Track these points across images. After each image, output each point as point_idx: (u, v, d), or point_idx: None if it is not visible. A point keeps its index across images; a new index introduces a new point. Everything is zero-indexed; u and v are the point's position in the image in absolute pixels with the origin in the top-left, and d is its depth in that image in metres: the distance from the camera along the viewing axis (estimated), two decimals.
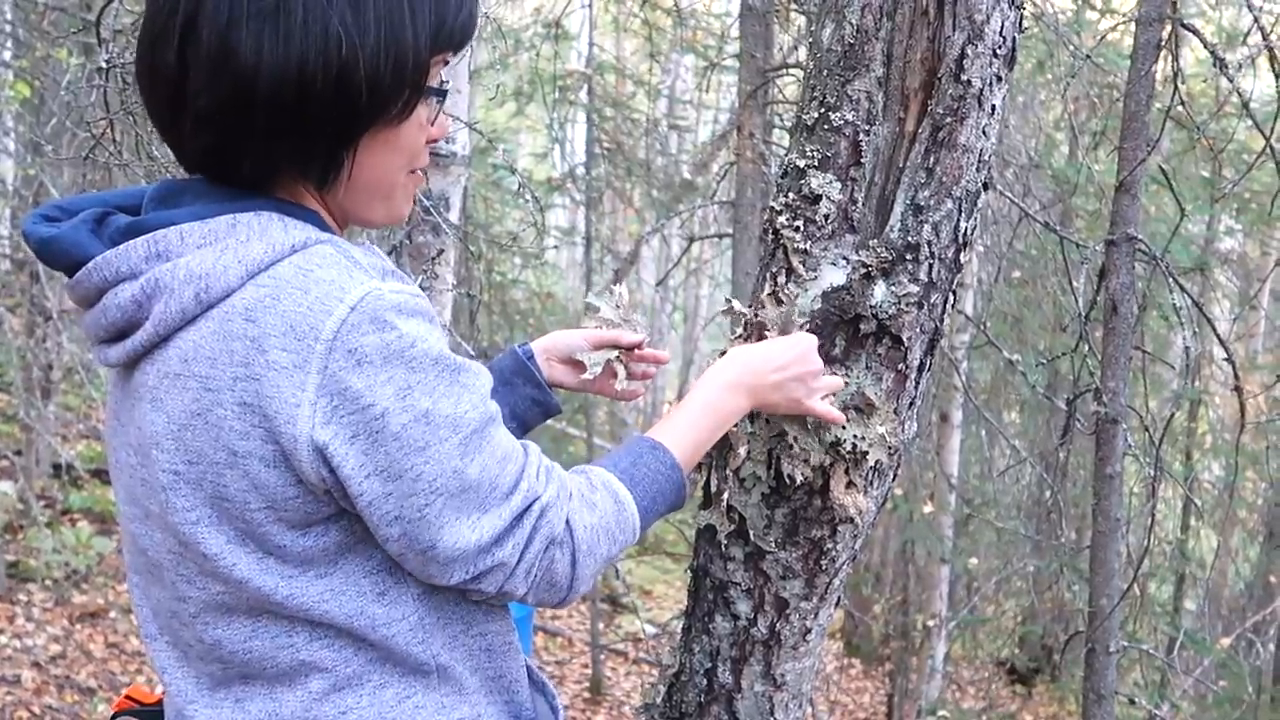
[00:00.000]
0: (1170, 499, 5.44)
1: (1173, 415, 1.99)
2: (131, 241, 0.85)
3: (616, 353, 1.28)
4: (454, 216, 2.09)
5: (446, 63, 0.95)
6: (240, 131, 0.85)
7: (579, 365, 1.28)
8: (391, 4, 0.85)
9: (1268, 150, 1.73)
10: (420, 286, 2.04)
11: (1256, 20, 1.66)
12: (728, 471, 1.33)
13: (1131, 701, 2.05)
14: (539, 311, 9.12)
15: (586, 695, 6.47)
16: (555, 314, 9.36)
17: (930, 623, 5.43)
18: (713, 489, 1.36)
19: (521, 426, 1.26)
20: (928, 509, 5.25)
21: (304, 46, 0.83)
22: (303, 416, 0.80)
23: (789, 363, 1.17)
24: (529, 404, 1.26)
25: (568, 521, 0.95)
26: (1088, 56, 2.74)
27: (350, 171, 0.91)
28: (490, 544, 0.88)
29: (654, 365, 1.31)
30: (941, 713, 4.71)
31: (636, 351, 1.29)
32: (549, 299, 7.48)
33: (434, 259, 1.99)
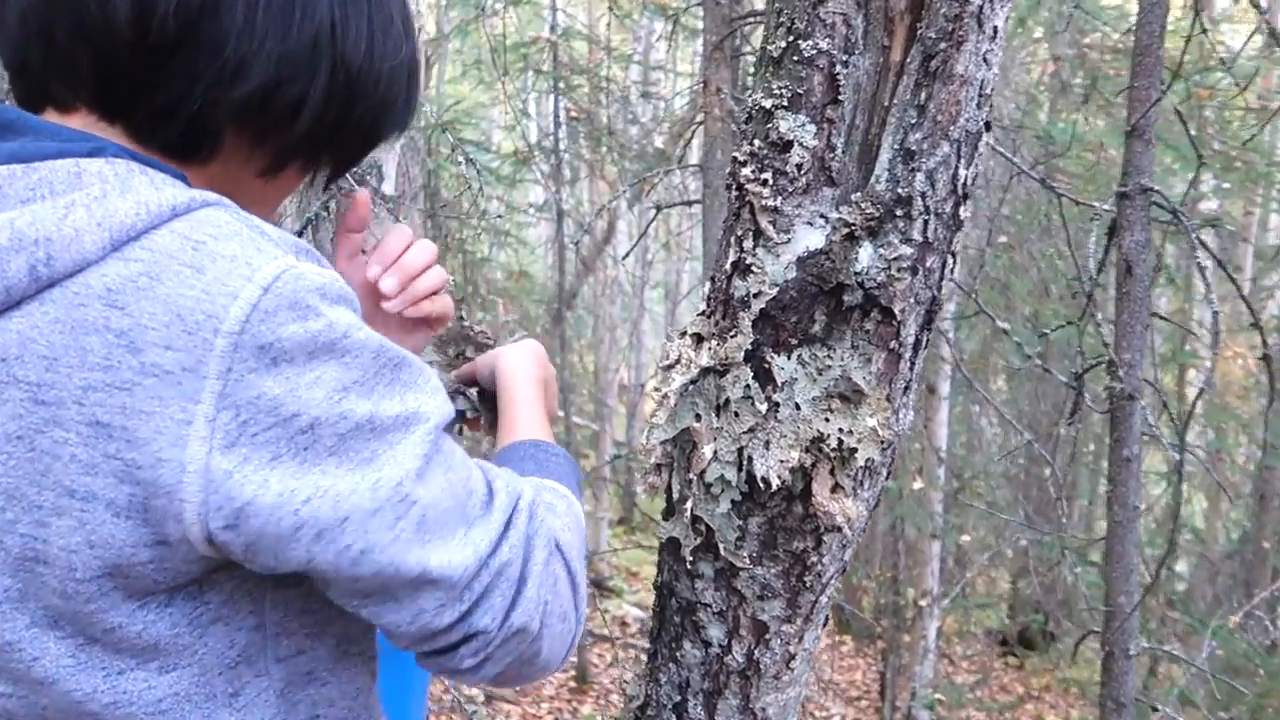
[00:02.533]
0: (1199, 459, 5.24)
1: (1199, 394, 1.80)
2: None
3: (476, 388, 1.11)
4: (388, 187, 1.86)
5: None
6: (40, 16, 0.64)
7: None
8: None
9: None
10: None
11: None
12: (691, 475, 1.12)
13: (1154, 709, 1.86)
14: (515, 291, 8.89)
15: (573, 685, 6.31)
16: (533, 294, 9.13)
17: (922, 602, 5.27)
18: (674, 496, 1.15)
19: None
20: (917, 485, 5.08)
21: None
22: (195, 438, 0.57)
23: (534, 352, 1.08)
24: None
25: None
26: (1078, 4, 2.52)
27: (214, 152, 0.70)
28: (488, 554, 0.69)
29: None
30: (936, 696, 4.56)
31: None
32: (521, 278, 7.24)
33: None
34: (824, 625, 1.22)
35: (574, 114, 5.91)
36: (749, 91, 1.15)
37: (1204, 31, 1.56)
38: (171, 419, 0.57)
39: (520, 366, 1.02)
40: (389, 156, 1.87)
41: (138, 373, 0.57)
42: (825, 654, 7.14)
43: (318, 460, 0.60)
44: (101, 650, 0.62)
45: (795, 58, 1.07)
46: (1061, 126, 4.67)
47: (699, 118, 2.76)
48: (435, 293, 0.91)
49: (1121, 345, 1.63)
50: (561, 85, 5.73)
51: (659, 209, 3.52)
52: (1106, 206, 1.68)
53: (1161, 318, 1.91)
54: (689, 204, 4.07)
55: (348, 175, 1.96)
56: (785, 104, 1.07)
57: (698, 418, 1.11)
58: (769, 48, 1.09)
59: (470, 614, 0.68)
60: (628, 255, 4.61)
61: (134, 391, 0.57)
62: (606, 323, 7.80)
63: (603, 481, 7.29)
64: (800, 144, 1.07)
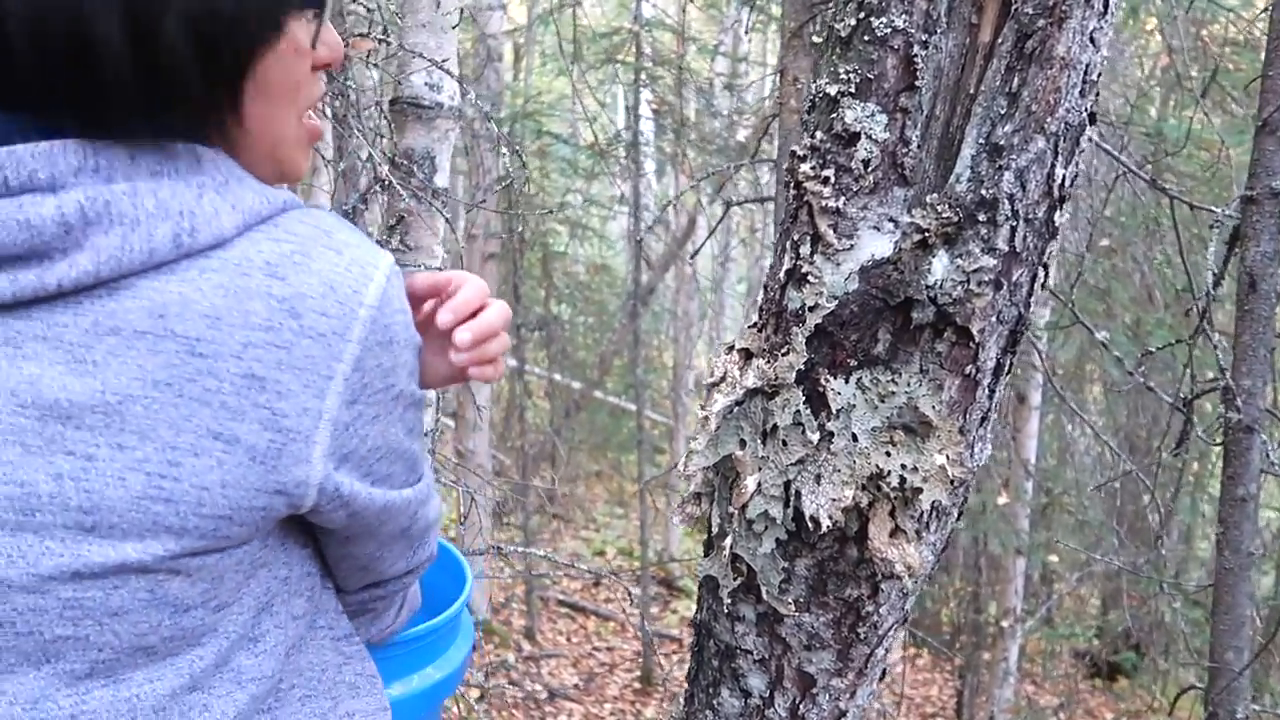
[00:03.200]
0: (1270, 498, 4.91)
1: None
2: (51, 142, 0.63)
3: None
4: (441, 179, 1.78)
5: None
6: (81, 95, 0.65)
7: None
8: None
9: None
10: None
11: None
12: (732, 509, 0.99)
13: None
14: (594, 283, 8.83)
15: (637, 686, 6.22)
16: (615, 286, 9.07)
17: (1004, 621, 5.01)
18: (713, 530, 1.03)
19: None
20: (1002, 499, 4.82)
21: None
22: (333, 391, 0.68)
23: None
24: None
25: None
26: None
27: (230, 124, 0.71)
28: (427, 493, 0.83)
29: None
30: (1018, 718, 4.31)
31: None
32: (600, 271, 7.16)
33: (394, 225, 1.67)
34: (881, 679, 1.08)
35: (655, 107, 5.79)
36: (814, 77, 1.01)
37: None
38: (319, 374, 0.67)
39: None
40: (442, 146, 1.79)
41: (297, 334, 0.66)
42: (900, 666, 6.90)
43: (396, 423, 0.73)
44: (178, 587, 0.68)
45: (866, 37, 0.93)
46: (1174, 123, 4.35)
47: (775, 110, 2.62)
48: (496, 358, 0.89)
49: (1240, 370, 1.43)
50: (644, 77, 5.61)
51: (728, 205, 3.37)
52: (1229, 211, 1.49)
53: None
54: (760, 200, 3.91)
55: (394, 168, 1.89)
56: (853, 91, 0.94)
57: (742, 444, 0.99)
58: (836, 26, 0.96)
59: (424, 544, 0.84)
60: (696, 253, 4.45)
61: (292, 349, 0.66)
62: (683, 320, 7.68)
63: (673, 483, 7.18)
64: (868, 136, 0.93)
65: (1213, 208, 1.59)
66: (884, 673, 1.09)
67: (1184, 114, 3.96)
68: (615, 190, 7.08)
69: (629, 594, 2.23)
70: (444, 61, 1.75)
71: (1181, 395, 1.59)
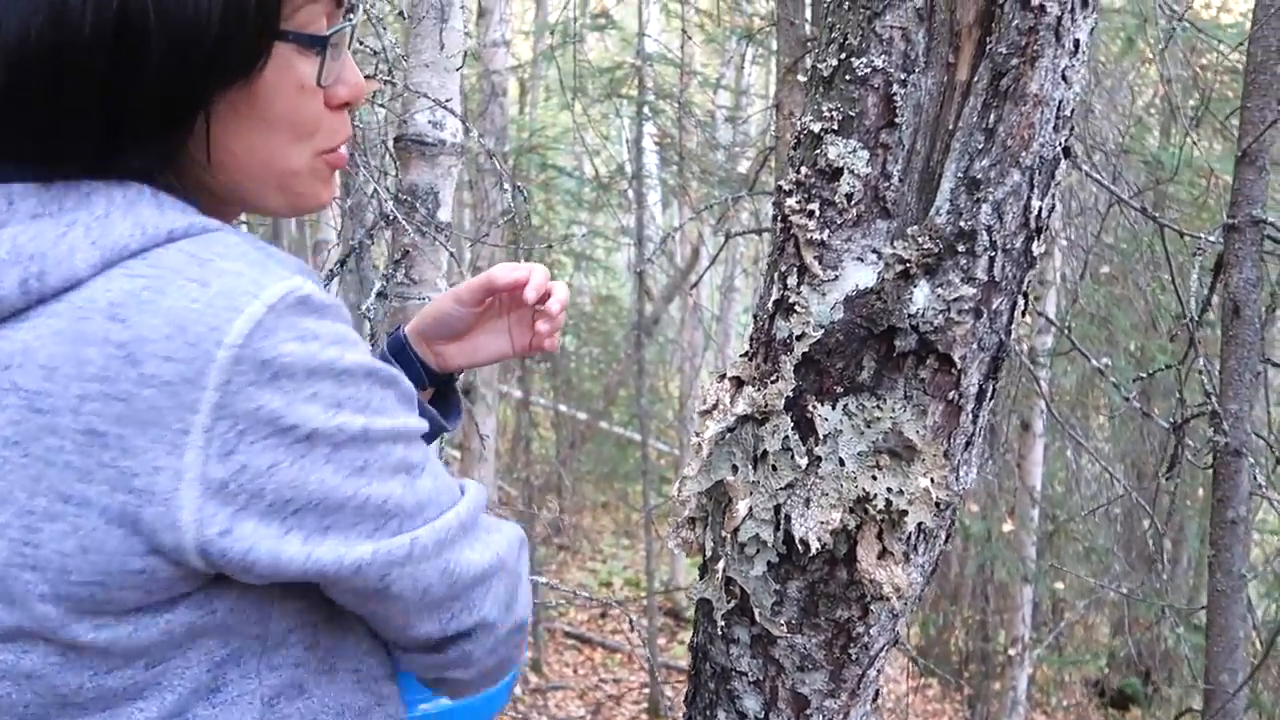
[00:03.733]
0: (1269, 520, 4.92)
1: None
2: None
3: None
4: (444, 214, 1.82)
5: (345, 7, 0.72)
6: (29, 118, 0.63)
7: (473, 335, 1.01)
8: None
9: None
10: (388, 294, 1.77)
11: None
12: (725, 533, 1.02)
13: None
14: (599, 314, 8.88)
15: (644, 718, 6.19)
16: (621, 317, 9.12)
17: (1012, 650, 4.99)
18: (707, 554, 1.06)
19: None
20: (1008, 527, 4.82)
21: None
22: (191, 446, 0.59)
23: None
24: None
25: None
26: (1182, 16, 2.35)
27: (207, 151, 0.69)
28: (492, 556, 0.76)
29: (553, 306, 1.01)
30: None
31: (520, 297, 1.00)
32: (605, 302, 7.21)
33: (398, 260, 1.71)
34: (875, 700, 1.10)
35: (658, 139, 5.87)
36: (800, 115, 1.06)
37: None
38: (169, 429, 0.59)
39: None
40: (445, 182, 1.83)
41: (135, 384, 0.59)
42: (910, 697, 6.85)
43: (315, 468, 0.63)
44: (91, 653, 0.63)
45: (848, 76, 0.97)
46: (1171, 152, 4.40)
47: (773, 143, 2.67)
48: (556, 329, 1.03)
49: (1227, 395, 1.46)
50: (646, 110, 5.69)
51: (729, 236, 3.43)
52: (1213, 238, 1.52)
53: (1275, 364, 1.73)
54: (761, 231, 3.96)
55: (398, 204, 1.94)
56: (835, 128, 0.98)
57: (734, 469, 1.02)
58: (819, 66, 1.00)
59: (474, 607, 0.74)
60: (696, 283, 4.51)
61: (131, 401, 0.59)
62: (688, 350, 7.72)
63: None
64: (851, 171, 0.97)
65: (1200, 235, 1.63)
66: (877, 694, 1.11)
67: (1179, 142, 4.01)
68: (619, 222, 7.16)
69: (632, 623, 2.24)
70: (447, 101, 1.80)
71: (1172, 421, 1.62)
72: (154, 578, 0.62)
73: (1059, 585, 5.78)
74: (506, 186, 1.85)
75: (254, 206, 0.75)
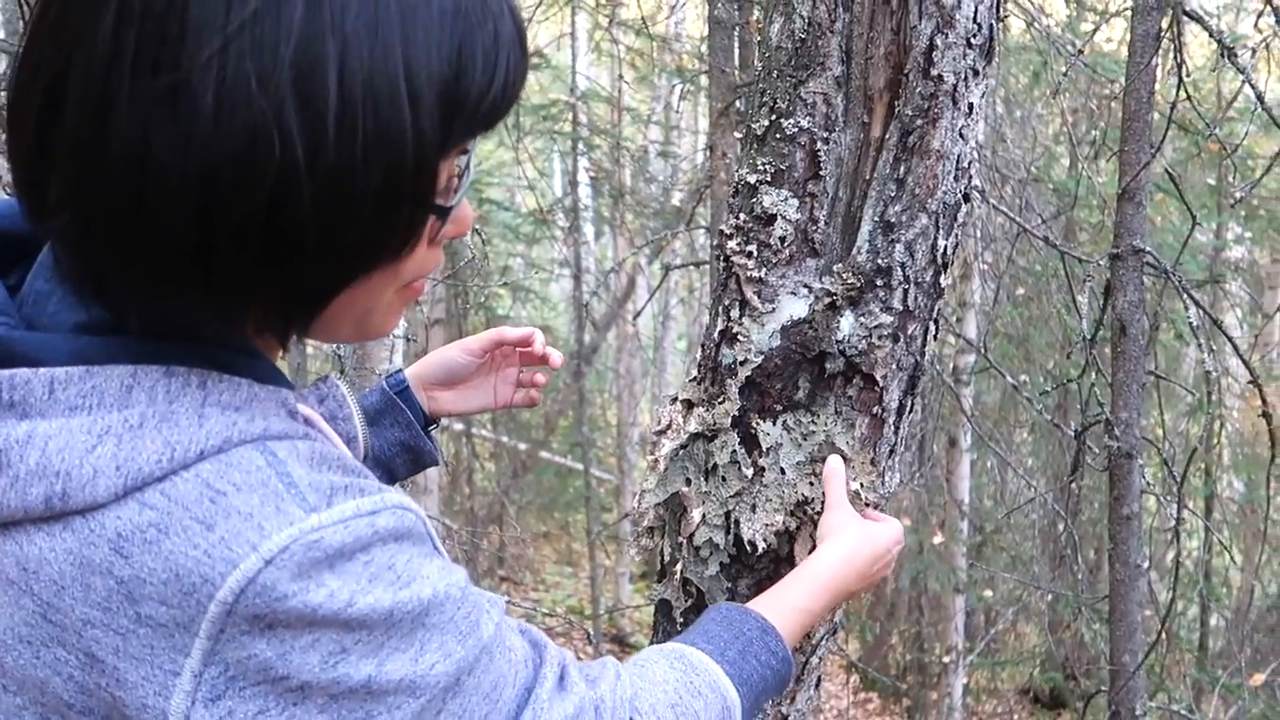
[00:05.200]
0: (1196, 513, 5.22)
1: (1194, 451, 1.80)
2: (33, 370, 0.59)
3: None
4: None
5: (466, 151, 0.64)
6: (117, 271, 0.59)
7: (466, 386, 1.12)
8: (374, 77, 0.55)
9: None
10: None
11: (1269, 1, 1.48)
12: (681, 539, 1.14)
13: None
14: None
15: None
16: (557, 347, 9.21)
17: (946, 658, 5.19)
18: (664, 559, 1.18)
19: (388, 475, 1.07)
20: (938, 539, 5.03)
21: (214, 149, 0.54)
22: (180, 690, 0.59)
23: (891, 548, 1.03)
24: (396, 449, 1.07)
25: None
26: (1079, 53, 2.58)
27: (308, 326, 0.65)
28: None
29: (544, 369, 1.17)
30: None
31: (523, 352, 1.14)
32: (547, 335, 7.32)
33: None
34: (816, 685, 1.23)
35: (593, 174, 6.02)
36: (737, 168, 1.20)
37: (1188, 98, 1.60)
38: (160, 669, 0.59)
39: (846, 545, 0.99)
40: None
41: (134, 621, 0.59)
42: (852, 711, 7.01)
43: (306, 717, 0.60)
44: None
45: (778, 135, 1.12)
46: (1076, 179, 4.69)
47: (707, 182, 2.84)
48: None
49: (1118, 404, 1.64)
50: (581, 145, 5.84)
51: (667, 270, 3.58)
52: (1102, 264, 1.70)
53: (1159, 376, 1.93)
54: (696, 265, 4.13)
55: None
56: (769, 179, 1.12)
57: (688, 482, 1.14)
58: (753, 126, 1.14)
59: None
60: (638, 314, 4.66)
61: (128, 637, 0.59)
62: (626, 378, 7.85)
63: (624, 538, 7.27)
64: (783, 217, 1.11)
65: (1092, 260, 1.82)
66: (819, 680, 1.24)
67: (1080, 171, 4.30)
68: (556, 254, 7.28)
69: (590, 635, 2.33)
70: None
71: (1074, 429, 1.79)
72: None
73: (988, 593, 6.02)
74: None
75: (320, 340, 0.72)
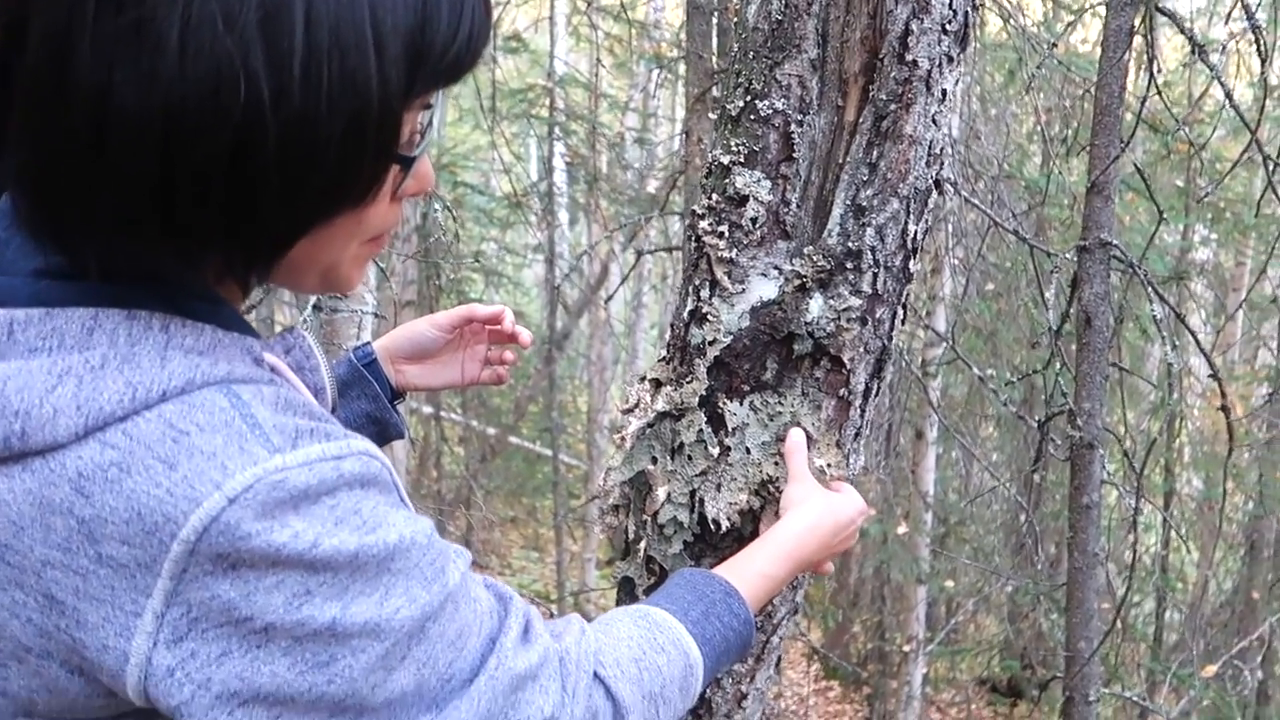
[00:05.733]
0: (1155, 508, 5.33)
1: (1154, 442, 1.83)
2: None
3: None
4: None
5: (429, 106, 0.65)
6: (77, 211, 0.58)
7: (434, 361, 1.12)
8: (340, 23, 0.55)
9: (1252, 146, 1.58)
10: (322, 307, 1.85)
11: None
12: (646, 517, 1.15)
13: None
14: None
15: None
16: (530, 332, 9.18)
17: (906, 647, 5.26)
18: (629, 536, 1.18)
19: None
20: (902, 529, 5.08)
21: (176, 88, 0.53)
22: (141, 631, 0.58)
23: (854, 519, 1.04)
24: (363, 420, 1.06)
25: (607, 689, 0.75)
26: (1052, 46, 2.60)
27: (270, 270, 0.65)
28: None
29: (513, 347, 1.17)
30: None
31: (492, 330, 1.14)
32: (519, 318, 7.30)
33: None
34: (776, 665, 1.24)
35: (569, 159, 6.00)
36: (710, 148, 1.20)
37: (1159, 93, 1.62)
38: (121, 609, 0.58)
39: (808, 515, 1.00)
40: None
41: (94, 561, 0.58)
42: (812, 699, 7.08)
43: (269, 660, 0.60)
44: None
45: (752, 117, 1.12)
46: (1047, 175, 4.74)
47: (682, 167, 2.83)
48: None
49: (1081, 395, 1.66)
50: (557, 131, 5.82)
51: (640, 254, 3.58)
52: (1069, 257, 1.73)
53: (1121, 369, 1.96)
54: (670, 250, 4.13)
55: None
56: (742, 160, 1.12)
57: (654, 461, 1.14)
58: (728, 107, 1.14)
59: None
60: (610, 299, 4.66)
61: (88, 578, 0.58)
62: (597, 364, 7.85)
63: (590, 522, 7.29)
64: (756, 199, 1.11)
65: (1060, 254, 1.84)
66: (779, 659, 1.25)
67: (1051, 167, 4.35)
68: (530, 239, 7.25)
69: (553, 616, 2.33)
70: None
71: (1038, 420, 1.81)
72: (120, 707, 0.62)
73: (950, 584, 6.09)
74: (436, 207, 1.93)
75: (286, 288, 0.73)
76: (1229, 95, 1.55)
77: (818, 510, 1.00)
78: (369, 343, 1.12)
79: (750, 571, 0.93)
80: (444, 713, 0.66)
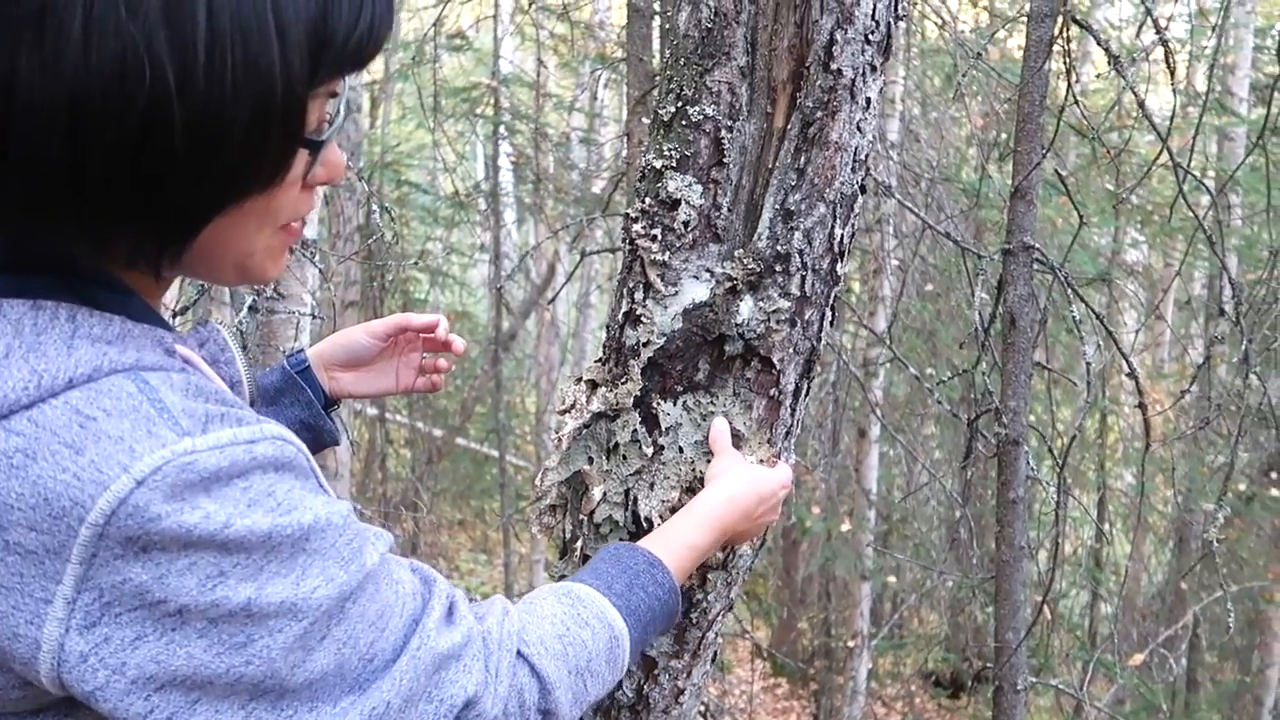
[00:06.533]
0: (1084, 506, 5.50)
1: (1073, 439, 1.90)
2: None
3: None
4: (310, 232, 1.89)
5: (335, 94, 0.66)
6: None
7: (368, 369, 1.13)
8: (242, 10, 0.57)
9: (1165, 154, 1.64)
10: (259, 309, 1.83)
11: (1149, 13, 1.57)
12: (582, 516, 1.16)
13: None
14: (455, 330, 8.88)
15: None
16: (476, 333, 9.15)
17: (851, 643, 5.34)
18: (566, 536, 1.20)
19: None
20: (845, 527, 5.16)
21: (82, 74, 0.54)
22: (52, 618, 0.58)
23: (776, 491, 1.06)
24: (297, 427, 1.07)
25: (531, 666, 0.76)
26: (978, 56, 2.68)
27: (181, 256, 0.64)
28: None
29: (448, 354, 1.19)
30: None
31: (427, 338, 1.15)
32: (460, 318, 7.25)
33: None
34: (712, 661, 1.26)
35: (514, 159, 5.99)
36: (643, 153, 1.22)
37: (1076, 102, 1.69)
38: (31, 596, 0.58)
39: (726, 485, 1.02)
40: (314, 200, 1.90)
41: (1, 549, 0.57)
42: (760, 696, 7.15)
43: (185, 643, 0.60)
44: None
45: (684, 122, 1.14)
46: (983, 179, 4.86)
47: (624, 168, 2.85)
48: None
49: (1007, 394, 1.72)
50: (502, 130, 5.80)
51: (583, 255, 3.60)
52: (996, 257, 1.79)
53: (1045, 368, 2.03)
54: (614, 250, 4.15)
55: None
56: (674, 165, 1.14)
57: (590, 461, 1.16)
58: (660, 112, 1.16)
59: None
60: (554, 299, 4.67)
61: None
62: (544, 365, 7.84)
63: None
64: (687, 202, 1.13)
65: (987, 256, 1.90)
66: (715, 655, 1.27)
67: (986, 170, 4.46)
68: (475, 239, 7.22)
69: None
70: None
71: (967, 418, 1.87)
72: (37, 699, 0.62)
73: (893, 579, 6.20)
74: (375, 207, 1.92)
75: (201, 279, 0.73)
76: (1141, 104, 1.62)
77: (739, 481, 1.03)
78: (302, 350, 1.12)
79: (675, 542, 0.96)
80: (366, 694, 0.66)
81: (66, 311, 0.61)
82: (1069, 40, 1.62)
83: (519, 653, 0.77)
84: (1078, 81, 1.70)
